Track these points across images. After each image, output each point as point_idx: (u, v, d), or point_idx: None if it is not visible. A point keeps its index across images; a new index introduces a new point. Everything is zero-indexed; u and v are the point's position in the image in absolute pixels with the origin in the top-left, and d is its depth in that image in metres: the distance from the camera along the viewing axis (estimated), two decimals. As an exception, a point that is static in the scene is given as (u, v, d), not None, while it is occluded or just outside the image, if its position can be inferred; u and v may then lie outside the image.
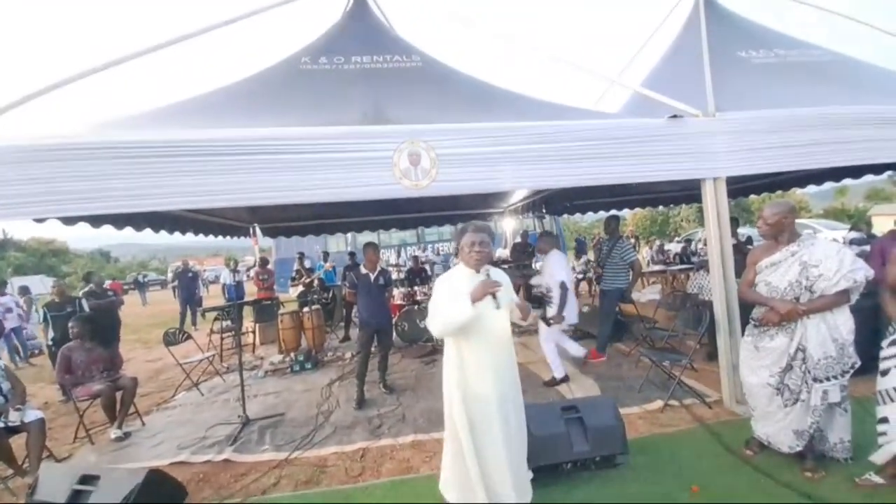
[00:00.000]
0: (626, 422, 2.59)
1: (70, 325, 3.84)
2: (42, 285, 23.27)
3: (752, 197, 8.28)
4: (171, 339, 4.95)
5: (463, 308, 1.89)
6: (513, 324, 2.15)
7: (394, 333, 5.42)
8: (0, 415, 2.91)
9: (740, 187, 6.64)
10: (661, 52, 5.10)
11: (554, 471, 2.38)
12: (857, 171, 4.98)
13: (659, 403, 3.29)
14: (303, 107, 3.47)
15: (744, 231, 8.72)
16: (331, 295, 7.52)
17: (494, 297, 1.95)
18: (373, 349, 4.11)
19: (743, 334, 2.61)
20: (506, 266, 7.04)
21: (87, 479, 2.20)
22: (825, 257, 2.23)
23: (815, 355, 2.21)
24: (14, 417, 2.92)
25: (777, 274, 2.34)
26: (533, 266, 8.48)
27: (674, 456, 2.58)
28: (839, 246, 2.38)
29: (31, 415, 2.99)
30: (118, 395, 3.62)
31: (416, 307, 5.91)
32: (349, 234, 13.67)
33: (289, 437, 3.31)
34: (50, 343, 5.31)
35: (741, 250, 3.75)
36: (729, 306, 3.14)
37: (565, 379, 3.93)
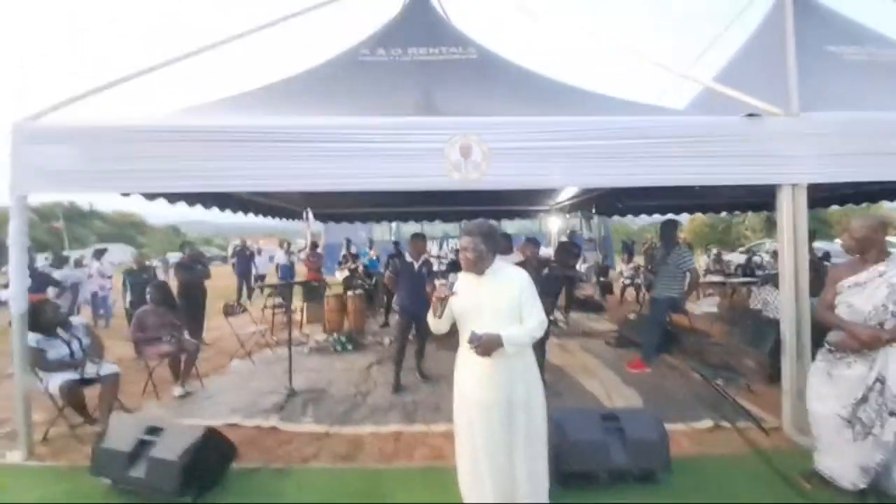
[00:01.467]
0: (670, 438, 2.46)
1: (147, 290, 4.26)
2: (121, 253, 25.91)
3: (833, 209, 7.46)
4: (229, 311, 5.35)
5: (431, 313, 2.00)
6: (552, 323, 2.10)
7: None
8: (77, 367, 3.20)
9: (820, 196, 6.00)
10: (739, 44, 4.69)
11: (589, 478, 2.32)
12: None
13: (708, 423, 3.09)
14: (360, 97, 3.57)
15: (819, 245, 7.91)
16: (373, 281, 7.75)
17: (440, 304, 1.94)
18: (410, 337, 4.19)
19: (813, 358, 2.38)
20: (553, 265, 6.87)
21: (152, 431, 2.42)
22: None
23: (895, 387, 1.97)
24: (91, 370, 3.21)
25: (862, 296, 2.11)
26: (578, 268, 8.23)
27: (721, 480, 2.42)
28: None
29: (107, 368, 3.30)
30: (182, 357, 3.97)
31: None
32: (394, 224, 13.95)
33: (329, 411, 3.48)
34: (128, 306, 5.94)
35: (816, 266, 3.40)
36: (799, 326, 2.87)
37: None
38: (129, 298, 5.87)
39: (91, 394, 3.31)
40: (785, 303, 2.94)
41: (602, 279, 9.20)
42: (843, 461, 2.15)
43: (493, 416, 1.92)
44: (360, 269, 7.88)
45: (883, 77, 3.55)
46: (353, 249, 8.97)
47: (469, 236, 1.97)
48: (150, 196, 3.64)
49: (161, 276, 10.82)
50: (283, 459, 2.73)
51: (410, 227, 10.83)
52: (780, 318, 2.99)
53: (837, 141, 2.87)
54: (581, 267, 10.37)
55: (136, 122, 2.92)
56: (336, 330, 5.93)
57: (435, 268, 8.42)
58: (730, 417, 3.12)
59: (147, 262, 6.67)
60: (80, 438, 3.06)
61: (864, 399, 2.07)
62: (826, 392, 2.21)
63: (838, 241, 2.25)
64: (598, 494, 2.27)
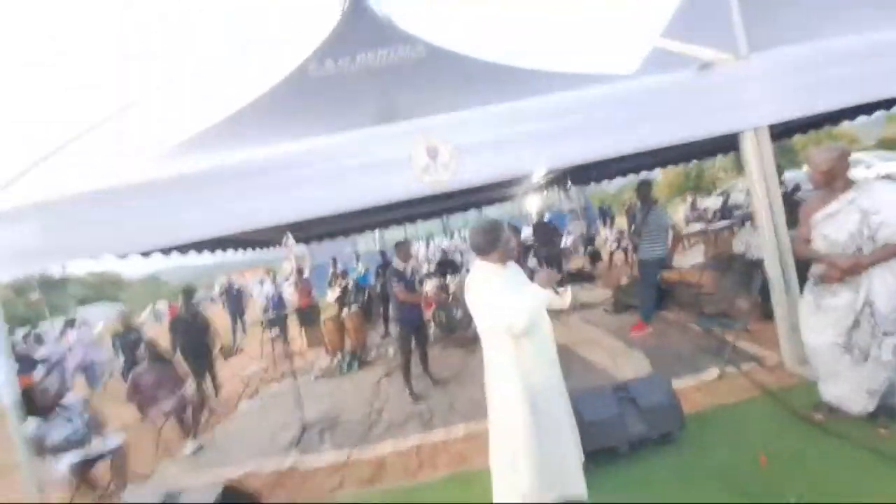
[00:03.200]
0: (681, 395, 2.52)
1: (140, 349, 4.16)
2: (105, 314, 25.16)
3: (797, 137, 7.63)
4: (227, 353, 5.25)
5: (541, 294, 1.94)
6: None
7: (431, 326, 5.51)
8: (83, 445, 3.11)
9: (781, 129, 6.12)
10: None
11: (610, 453, 2.35)
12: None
13: (714, 372, 3.16)
14: (319, 116, 3.49)
15: (789, 175, 8.10)
16: (367, 295, 7.70)
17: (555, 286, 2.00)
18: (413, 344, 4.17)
19: (801, 291, 2.45)
20: (535, 247, 6.92)
21: (171, 497, 2.36)
22: (887, 202, 2.05)
23: (884, 309, 2.05)
24: (96, 446, 3.14)
25: (835, 225, 2.17)
26: (564, 241, 8.29)
27: (736, 427, 2.49)
28: (902, 187, 2.17)
29: (112, 440, 3.23)
30: (188, 410, 3.89)
31: (450, 297, 5.96)
32: (377, 232, 13.83)
33: (347, 435, 3.46)
34: (121, 369, 5.79)
35: (789, 200, 3.49)
36: (783, 262, 2.95)
37: None
38: (121, 360, 5.72)
39: (103, 466, 3.22)
40: (765, 242, 3.00)
41: (590, 248, 9.31)
42: (848, 388, 2.22)
43: (564, 397, 2.06)
44: (351, 285, 7.81)
45: (825, 1, 3.60)
46: (341, 267, 8.88)
47: (506, 230, 2.11)
48: (122, 255, 3.54)
49: (153, 328, 10.56)
50: (309, 496, 2.70)
51: (394, 233, 10.75)
52: (764, 256, 3.06)
53: (790, 76, 2.92)
54: (567, 240, 10.47)
55: (93, 187, 2.82)
56: (338, 351, 5.88)
57: (425, 269, 8.41)
58: (733, 362, 3.20)
59: (134, 320, 6.48)
60: (101, 515, 2.99)
61: (857, 324, 2.13)
62: (819, 323, 2.28)
63: (806, 167, 2.30)
64: (621, 466, 2.31)
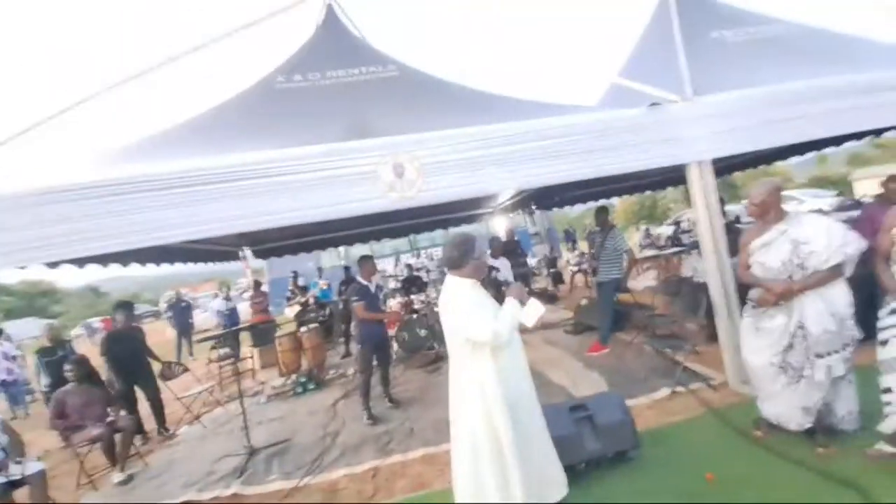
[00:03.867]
0: (635, 413, 2.59)
1: (65, 368, 3.76)
2: (32, 328, 22.81)
3: (736, 174, 8.40)
4: (168, 374, 4.85)
5: (515, 309, 1.96)
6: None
7: (394, 345, 5.38)
8: (0, 470, 2.82)
9: (722, 166, 6.69)
10: (636, 38, 5.12)
11: (568, 472, 2.35)
12: (837, 140, 5.03)
13: (666, 391, 3.28)
14: (284, 127, 3.42)
15: (732, 208, 8.79)
16: (328, 312, 7.45)
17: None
18: (374, 363, 4.06)
19: (741, 315, 2.62)
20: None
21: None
22: (815, 234, 2.25)
23: (815, 331, 2.21)
24: (14, 471, 2.85)
25: (769, 254, 2.35)
26: (528, 262, 8.46)
27: (685, 444, 2.57)
28: (828, 220, 2.39)
29: (32, 467, 2.93)
30: (117, 437, 3.53)
31: (415, 316, 5.87)
32: (341, 248, 13.57)
33: (297, 462, 3.25)
34: (45, 389, 5.20)
35: (731, 229, 3.76)
36: (725, 287, 3.15)
37: None
38: (44, 381, 5.14)
39: (22, 495, 2.91)
40: (709, 267, 3.21)
41: (552, 270, 9.56)
42: (785, 406, 2.36)
43: (539, 406, 2.05)
44: (311, 301, 7.54)
45: (762, 52, 4.00)
46: (301, 281, 8.58)
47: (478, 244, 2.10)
48: (52, 264, 3.23)
49: (85, 344, 9.69)
50: (252, 526, 2.50)
51: (359, 249, 10.57)
52: (708, 281, 3.26)
53: (730, 118, 3.21)
54: (532, 261, 10.71)
55: (27, 186, 2.57)
56: (294, 371, 5.60)
57: (391, 286, 8.28)
58: (683, 382, 3.34)
59: (64, 335, 5.88)
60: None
61: (791, 346, 2.29)
62: (757, 344, 2.43)
63: (745, 202, 2.50)
64: (579, 485, 2.30)
